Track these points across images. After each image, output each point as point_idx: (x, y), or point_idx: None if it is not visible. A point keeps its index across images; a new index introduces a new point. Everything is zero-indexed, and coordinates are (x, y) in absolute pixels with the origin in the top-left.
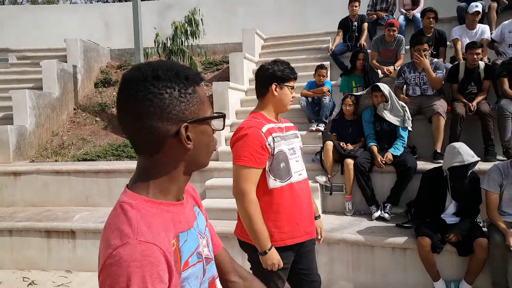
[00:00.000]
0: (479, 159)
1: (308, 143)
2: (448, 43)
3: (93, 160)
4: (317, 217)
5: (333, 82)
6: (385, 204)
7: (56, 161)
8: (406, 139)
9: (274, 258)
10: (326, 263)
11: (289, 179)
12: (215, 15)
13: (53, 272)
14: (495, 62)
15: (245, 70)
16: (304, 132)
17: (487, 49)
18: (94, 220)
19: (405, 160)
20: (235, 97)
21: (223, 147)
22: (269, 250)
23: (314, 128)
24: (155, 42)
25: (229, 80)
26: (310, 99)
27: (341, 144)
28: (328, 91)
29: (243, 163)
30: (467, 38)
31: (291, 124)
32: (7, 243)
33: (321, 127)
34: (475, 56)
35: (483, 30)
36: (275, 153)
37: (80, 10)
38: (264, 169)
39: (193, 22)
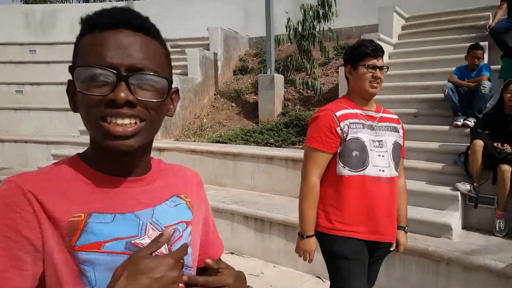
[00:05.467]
0: None
1: (450, 141)
2: None
3: (225, 142)
4: (401, 227)
5: (492, 67)
6: None
7: (194, 141)
8: None
9: (307, 246)
10: None
11: (362, 170)
12: None
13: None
14: None
15: None
16: (446, 128)
17: None
18: (218, 200)
19: None
20: None
21: None
22: (308, 237)
23: (460, 123)
24: (286, 27)
25: None
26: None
27: (496, 144)
28: (489, 79)
29: (310, 144)
30: None
31: (394, 116)
32: None
33: (470, 122)
34: None
35: None
36: (347, 139)
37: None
38: (336, 154)
39: (326, 4)
